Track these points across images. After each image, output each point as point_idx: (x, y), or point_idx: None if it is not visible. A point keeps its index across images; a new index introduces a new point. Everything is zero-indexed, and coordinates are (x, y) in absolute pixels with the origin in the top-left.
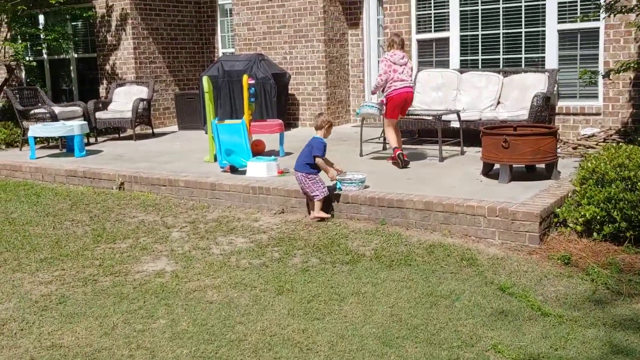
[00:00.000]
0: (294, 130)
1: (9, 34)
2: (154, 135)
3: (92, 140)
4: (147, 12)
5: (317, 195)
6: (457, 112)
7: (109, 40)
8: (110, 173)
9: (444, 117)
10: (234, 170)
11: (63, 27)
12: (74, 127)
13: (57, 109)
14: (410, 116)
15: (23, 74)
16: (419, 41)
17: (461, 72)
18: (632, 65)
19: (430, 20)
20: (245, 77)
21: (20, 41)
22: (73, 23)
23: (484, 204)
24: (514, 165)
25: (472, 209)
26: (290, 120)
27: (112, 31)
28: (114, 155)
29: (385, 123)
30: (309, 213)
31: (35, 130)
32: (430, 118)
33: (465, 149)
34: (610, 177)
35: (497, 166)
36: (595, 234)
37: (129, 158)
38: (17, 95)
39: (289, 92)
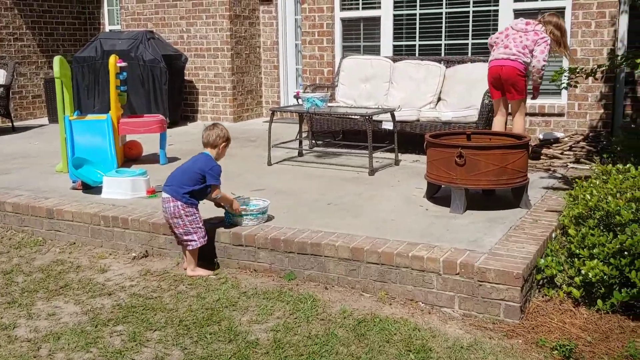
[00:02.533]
0: (191, 125)
1: None
2: (14, 129)
3: None
4: None
5: (193, 243)
6: (392, 111)
7: None
8: None
9: (374, 117)
10: (86, 187)
11: None
12: None
13: None
14: (331, 115)
15: None
16: (343, 20)
17: (394, 61)
18: (623, 60)
19: None
20: (112, 58)
21: None
22: None
23: (437, 255)
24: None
25: (419, 261)
26: (187, 112)
27: None
28: None
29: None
30: (185, 256)
31: None
32: (357, 117)
33: (399, 156)
34: (623, 218)
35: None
36: (600, 302)
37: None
38: None
39: (186, 78)
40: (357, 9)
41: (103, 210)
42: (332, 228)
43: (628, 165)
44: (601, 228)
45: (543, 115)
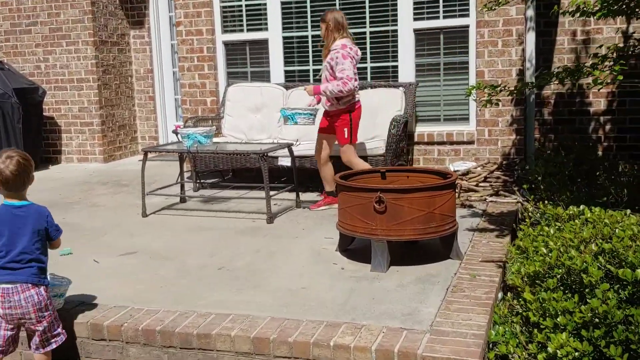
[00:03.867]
0: (54, 168)
1: None
2: None
3: None
4: None
5: (59, 338)
6: (289, 146)
7: None
8: None
9: (270, 153)
10: None
11: None
12: None
13: None
14: (218, 152)
15: None
16: (226, 44)
17: (287, 88)
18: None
19: (242, 16)
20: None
21: None
22: None
23: (367, 341)
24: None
25: (345, 352)
26: (49, 154)
27: None
28: None
29: (347, 152)
30: None
31: None
32: (251, 155)
33: (301, 195)
34: (593, 277)
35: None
36: None
37: None
38: None
39: (45, 114)
40: (242, 31)
41: None
42: (226, 307)
43: (582, 207)
44: (562, 289)
45: (452, 143)
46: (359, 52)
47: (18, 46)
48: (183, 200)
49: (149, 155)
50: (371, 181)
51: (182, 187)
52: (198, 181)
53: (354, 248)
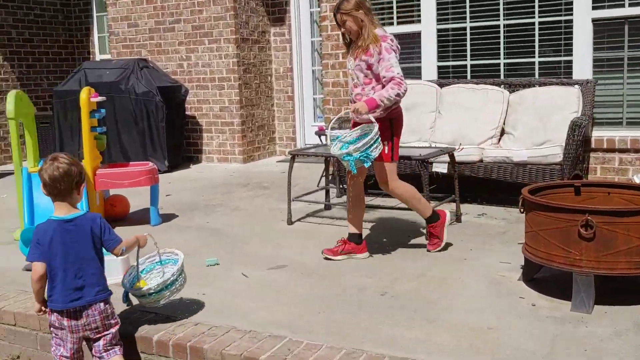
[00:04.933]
0: (194, 167)
1: None
2: None
3: None
4: None
5: (117, 348)
6: (451, 152)
7: None
8: None
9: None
10: None
11: None
12: None
13: None
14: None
15: None
16: None
17: (441, 85)
18: None
19: (392, 8)
20: (84, 92)
21: None
22: None
23: None
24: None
25: None
26: (190, 153)
27: None
28: None
29: (390, 171)
30: None
31: None
32: (410, 160)
33: (460, 208)
34: None
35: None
36: None
37: None
38: None
39: (187, 113)
40: (391, 24)
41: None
42: (399, 347)
43: None
44: None
45: (637, 151)
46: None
47: (162, 44)
48: (328, 207)
49: (283, 155)
50: (562, 198)
51: (327, 193)
52: (341, 186)
53: (540, 277)
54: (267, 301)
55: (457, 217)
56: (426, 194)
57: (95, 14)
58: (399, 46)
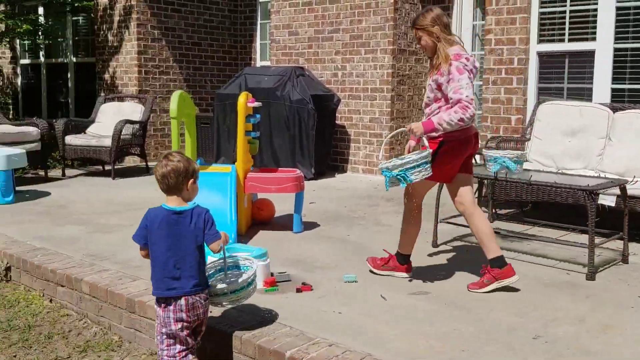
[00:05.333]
0: (339, 177)
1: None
2: (147, 171)
3: (57, 174)
4: (161, 6)
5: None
6: (623, 185)
7: (110, 40)
8: None
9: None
10: None
11: (61, 21)
12: None
13: None
14: (533, 183)
15: (19, 80)
16: (540, 55)
17: (614, 110)
18: None
19: (564, 23)
20: (242, 96)
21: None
22: (74, 17)
23: None
24: None
25: None
26: (336, 162)
27: (114, 29)
28: (57, 204)
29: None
30: None
31: None
32: (572, 190)
33: (629, 247)
34: None
35: None
36: None
37: (72, 211)
38: None
39: (337, 122)
40: (562, 40)
41: None
42: None
43: None
44: None
45: None
46: (477, 62)
47: (319, 53)
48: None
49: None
50: None
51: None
52: (494, 211)
53: None
54: (407, 330)
55: (624, 258)
56: (591, 228)
57: (259, 21)
58: (476, 67)
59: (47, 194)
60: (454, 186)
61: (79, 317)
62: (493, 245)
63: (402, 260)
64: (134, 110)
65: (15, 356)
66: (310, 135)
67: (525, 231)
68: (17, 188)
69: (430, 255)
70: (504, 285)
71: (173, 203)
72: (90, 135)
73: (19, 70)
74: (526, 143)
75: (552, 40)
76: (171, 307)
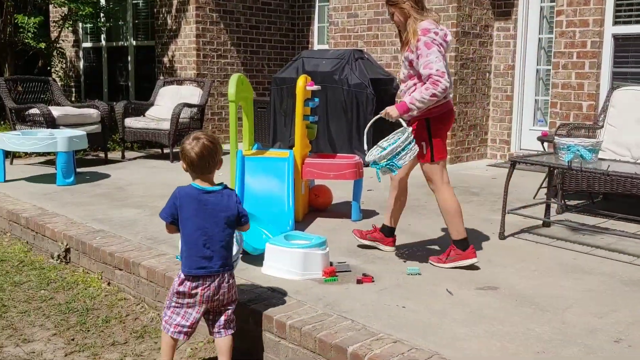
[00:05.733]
0: None
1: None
2: None
3: (116, 156)
4: None
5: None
6: None
7: (169, 23)
8: (56, 230)
9: None
10: (246, 253)
11: (121, 4)
12: (57, 141)
13: (59, 111)
14: (611, 174)
15: (81, 63)
16: (616, 38)
17: None
18: None
19: (631, 4)
20: (301, 79)
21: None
22: (134, 0)
23: None
24: None
25: None
26: None
27: (172, 12)
28: (116, 186)
29: (428, 173)
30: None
31: (5, 140)
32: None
33: None
34: None
35: None
36: None
37: (130, 194)
38: (18, 88)
39: None
40: (628, 22)
41: (257, 298)
42: None
43: None
44: None
45: None
46: (449, 35)
47: (378, 36)
48: (546, 224)
49: (494, 159)
50: None
51: (548, 208)
52: (563, 202)
53: None
54: (476, 329)
55: None
56: None
57: (317, 4)
58: (447, 40)
59: (107, 176)
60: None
61: (136, 301)
62: (459, 225)
63: (388, 232)
64: (192, 94)
65: (73, 339)
66: (369, 120)
67: (599, 224)
68: (78, 170)
69: (497, 247)
70: (462, 266)
71: (204, 183)
72: (150, 118)
73: (81, 54)
74: (598, 131)
75: (629, 22)
76: (199, 287)
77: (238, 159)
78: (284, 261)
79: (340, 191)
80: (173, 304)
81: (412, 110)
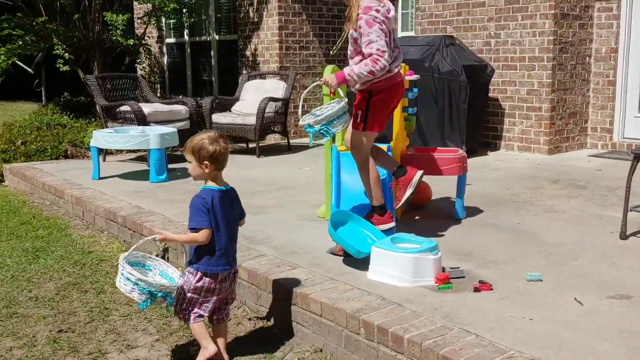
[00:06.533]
0: (492, 155)
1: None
2: (289, 149)
3: None
4: None
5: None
6: None
7: (251, 16)
8: (154, 229)
9: None
10: (349, 255)
11: None
12: (150, 138)
13: (149, 108)
14: None
15: (165, 59)
16: None
17: None
18: None
19: None
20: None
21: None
22: None
23: None
24: None
25: None
26: (488, 138)
27: (255, 4)
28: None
29: (353, 138)
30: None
31: (99, 138)
32: None
33: None
34: None
35: None
36: None
37: None
38: (107, 85)
39: (490, 95)
40: None
41: (367, 307)
42: None
43: None
44: None
45: None
46: (392, 11)
47: (469, 20)
48: None
49: (596, 149)
50: None
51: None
52: None
53: None
54: (618, 345)
55: None
56: None
57: None
58: (388, 17)
59: None
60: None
61: (237, 304)
62: (378, 192)
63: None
64: (276, 87)
65: (176, 346)
66: (462, 109)
67: None
68: (169, 166)
69: (619, 248)
70: (382, 229)
71: (219, 183)
72: (235, 113)
73: (164, 50)
74: None
75: None
76: (222, 281)
77: (333, 155)
78: (393, 266)
79: (435, 186)
80: (198, 300)
81: (350, 82)
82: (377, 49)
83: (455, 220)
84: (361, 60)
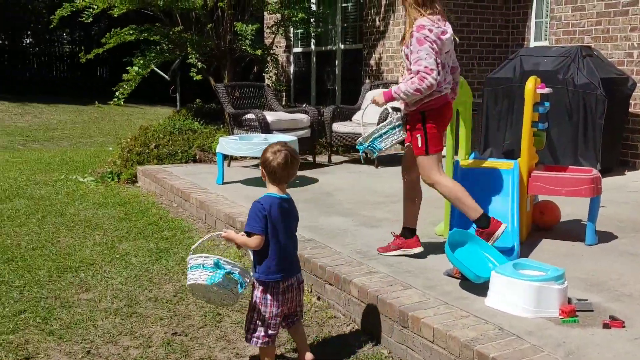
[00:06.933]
0: (630, 174)
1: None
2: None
3: (323, 160)
4: None
5: None
6: None
7: (377, 25)
8: None
9: None
10: (465, 279)
11: (331, 8)
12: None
13: (272, 116)
14: None
15: (292, 68)
16: None
17: None
18: None
19: None
20: (530, 81)
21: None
22: (344, 4)
23: None
24: None
25: None
26: (626, 156)
27: (381, 13)
28: (323, 192)
29: (421, 165)
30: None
31: (224, 145)
32: None
33: None
34: None
35: None
36: None
37: (337, 200)
38: (235, 94)
39: (630, 110)
40: None
41: (483, 337)
42: None
43: None
44: None
45: None
46: (448, 33)
47: (609, 30)
48: None
49: None
50: None
51: None
52: None
53: None
54: None
55: None
56: None
57: None
58: (441, 38)
59: (314, 180)
60: (411, 156)
61: (346, 321)
62: (470, 202)
63: (409, 234)
64: None
65: (282, 357)
66: (598, 124)
67: None
68: None
69: None
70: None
71: (281, 192)
72: (356, 122)
73: (291, 59)
74: None
75: None
76: (288, 292)
77: (455, 170)
78: (514, 294)
79: (567, 207)
80: (261, 318)
81: (396, 99)
82: (425, 67)
83: (585, 246)
84: (411, 78)
